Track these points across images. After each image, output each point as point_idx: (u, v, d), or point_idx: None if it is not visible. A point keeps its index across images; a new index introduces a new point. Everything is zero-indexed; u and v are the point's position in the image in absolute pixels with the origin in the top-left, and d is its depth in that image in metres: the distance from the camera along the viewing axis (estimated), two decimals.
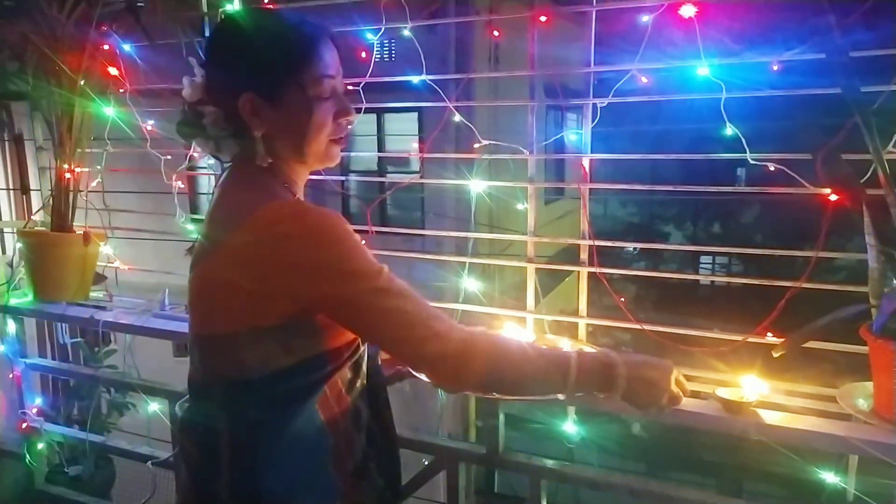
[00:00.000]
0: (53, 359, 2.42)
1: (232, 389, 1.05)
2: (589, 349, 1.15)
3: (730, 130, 1.42)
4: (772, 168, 1.39)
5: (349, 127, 1.12)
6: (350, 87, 1.64)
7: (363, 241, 1.08)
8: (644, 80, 1.48)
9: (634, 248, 11.09)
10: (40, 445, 2.26)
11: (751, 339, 1.41)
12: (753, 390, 1.34)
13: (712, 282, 11.96)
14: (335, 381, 1.07)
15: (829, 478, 1.38)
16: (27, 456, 2.24)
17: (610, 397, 1.10)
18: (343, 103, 1.09)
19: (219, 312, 1.04)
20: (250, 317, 1.01)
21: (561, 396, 1.08)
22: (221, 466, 1.05)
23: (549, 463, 1.59)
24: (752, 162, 1.40)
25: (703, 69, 1.39)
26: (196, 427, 1.10)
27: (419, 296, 1.03)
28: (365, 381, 1.15)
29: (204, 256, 1.06)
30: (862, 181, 1.22)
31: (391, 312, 1.00)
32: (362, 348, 1.12)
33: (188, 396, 1.15)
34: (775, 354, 1.27)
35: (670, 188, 1.69)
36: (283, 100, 1.04)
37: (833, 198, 1.26)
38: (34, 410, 2.24)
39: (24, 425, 2.23)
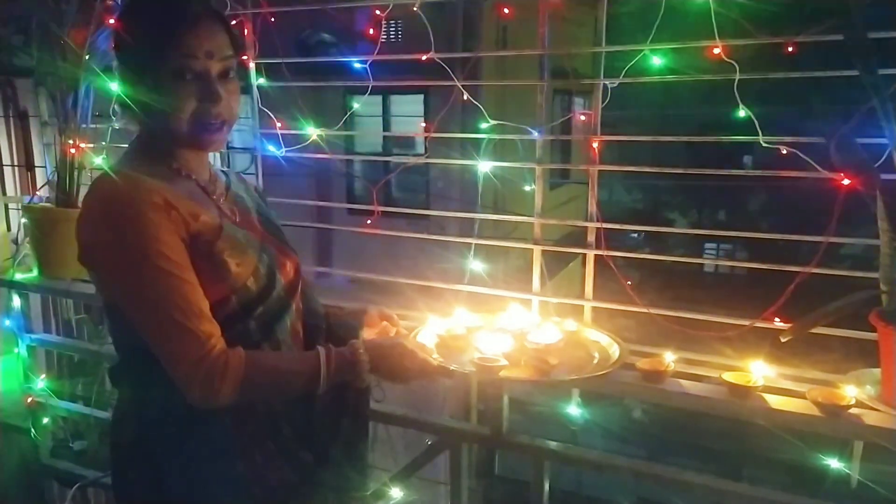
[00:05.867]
0: (58, 335, 2.43)
1: (124, 355, 1.16)
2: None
3: (742, 113, 1.39)
4: (784, 151, 1.37)
5: (220, 113, 1.09)
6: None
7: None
8: (657, 61, 1.45)
9: (639, 234, 11.04)
10: (45, 420, 2.28)
11: (758, 325, 1.41)
12: (760, 375, 1.33)
13: (716, 268, 11.94)
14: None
15: (834, 464, 1.38)
16: (32, 430, 2.25)
17: (362, 379, 1.15)
18: (208, 87, 1.07)
19: (95, 283, 1.15)
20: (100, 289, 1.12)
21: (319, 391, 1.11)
22: (128, 428, 1.15)
23: (553, 445, 1.59)
24: (764, 145, 1.38)
25: (716, 50, 1.37)
26: (117, 393, 1.22)
27: (189, 293, 1.01)
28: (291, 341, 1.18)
29: None
30: (876, 166, 1.20)
31: (149, 312, 1.02)
32: (261, 308, 1.12)
33: None
34: (783, 339, 1.26)
35: (679, 171, 1.67)
36: (146, 74, 1.07)
37: (846, 182, 1.24)
38: (39, 386, 2.25)
39: (30, 400, 2.24)
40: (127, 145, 1.19)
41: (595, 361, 1.37)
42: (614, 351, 1.39)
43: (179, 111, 1.07)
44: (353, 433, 1.28)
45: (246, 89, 1.93)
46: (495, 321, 1.51)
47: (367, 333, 1.38)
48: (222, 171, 1.27)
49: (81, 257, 1.09)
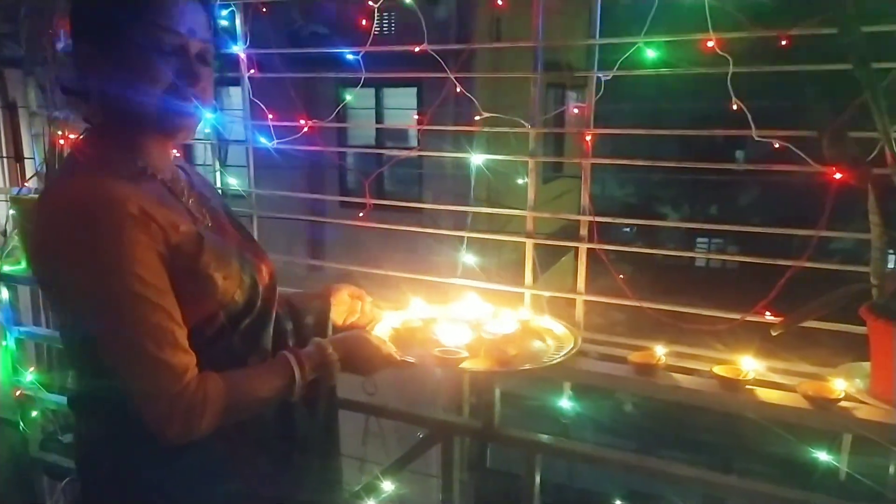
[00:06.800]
0: (47, 327, 2.41)
1: (89, 382, 1.04)
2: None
3: (736, 107, 1.39)
4: (776, 145, 1.37)
5: (197, 96, 0.99)
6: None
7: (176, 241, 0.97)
8: (651, 53, 1.45)
9: (631, 229, 11.08)
10: (34, 413, 2.26)
11: (749, 318, 1.41)
12: (751, 368, 1.34)
13: (707, 262, 11.99)
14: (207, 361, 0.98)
15: (823, 457, 1.39)
16: (21, 423, 2.24)
17: (333, 377, 1.13)
18: (187, 65, 0.98)
19: (54, 307, 1.03)
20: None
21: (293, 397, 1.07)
22: (101, 467, 1.06)
23: (544, 438, 1.59)
24: (756, 139, 1.38)
25: (710, 43, 1.36)
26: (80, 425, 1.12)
27: (163, 321, 0.91)
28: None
29: None
30: (868, 160, 1.21)
31: (119, 342, 0.91)
32: (247, 320, 1.05)
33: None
34: (774, 333, 1.27)
35: (673, 164, 1.67)
36: (114, 48, 0.95)
37: (838, 176, 1.25)
38: (28, 378, 2.23)
39: (19, 393, 2.23)
40: (81, 139, 1.04)
41: (551, 350, 1.38)
42: (568, 339, 1.40)
43: (152, 87, 0.95)
44: (327, 415, 1.25)
45: (236, 81, 1.92)
46: (450, 311, 1.50)
47: (335, 313, 1.33)
48: (179, 167, 1.13)
49: (40, 280, 0.98)
